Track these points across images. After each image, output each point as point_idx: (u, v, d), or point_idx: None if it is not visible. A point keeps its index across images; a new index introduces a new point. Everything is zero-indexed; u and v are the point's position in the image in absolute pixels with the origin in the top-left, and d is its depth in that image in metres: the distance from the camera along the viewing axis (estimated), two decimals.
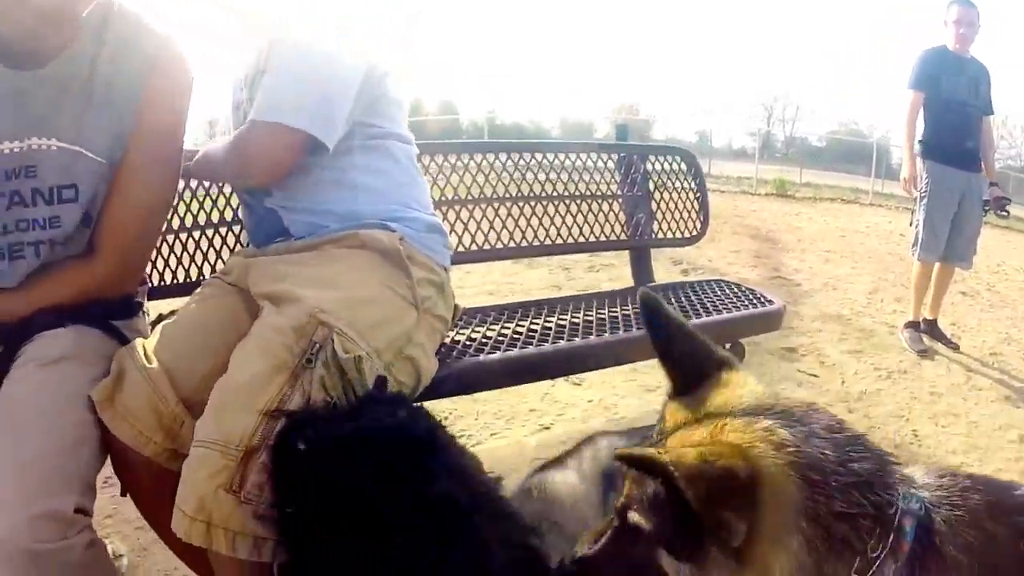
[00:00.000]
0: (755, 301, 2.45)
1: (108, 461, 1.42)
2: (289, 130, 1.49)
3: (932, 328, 4.95)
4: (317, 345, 1.33)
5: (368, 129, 1.64)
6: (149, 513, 1.51)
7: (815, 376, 4.22)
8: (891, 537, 0.84)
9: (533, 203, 2.66)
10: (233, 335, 1.42)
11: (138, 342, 1.45)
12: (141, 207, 1.53)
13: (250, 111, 1.56)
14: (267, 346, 1.34)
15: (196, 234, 2.21)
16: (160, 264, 2.12)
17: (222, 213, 2.26)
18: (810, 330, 5.12)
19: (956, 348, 4.79)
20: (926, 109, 4.69)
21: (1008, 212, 5.05)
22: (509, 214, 2.60)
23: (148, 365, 1.39)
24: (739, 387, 1.02)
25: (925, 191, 4.69)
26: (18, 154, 1.39)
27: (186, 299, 1.71)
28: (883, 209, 15.06)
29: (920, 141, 4.74)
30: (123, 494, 1.51)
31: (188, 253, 2.20)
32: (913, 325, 4.91)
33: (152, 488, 1.43)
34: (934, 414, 3.76)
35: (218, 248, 2.23)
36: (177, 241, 2.17)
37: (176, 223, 2.15)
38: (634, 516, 0.96)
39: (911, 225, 4.99)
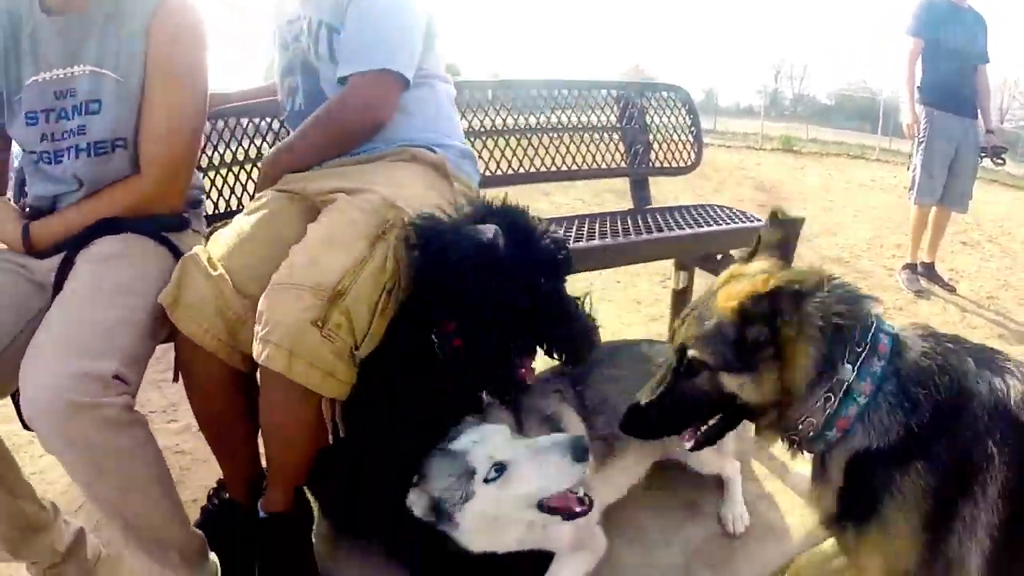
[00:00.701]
0: (745, 219, 2.61)
1: None
2: (392, 76, 1.78)
3: (929, 271, 5.08)
4: (390, 223, 1.57)
5: (420, 69, 1.88)
6: (202, 402, 1.68)
7: None
8: (870, 340, 1.23)
9: (542, 135, 2.90)
10: (292, 239, 1.56)
11: (199, 249, 1.59)
12: (169, 122, 1.70)
13: (316, 58, 1.86)
14: (351, 218, 1.56)
15: (248, 167, 2.40)
16: (215, 195, 2.30)
17: (270, 145, 2.38)
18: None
19: (952, 290, 4.91)
20: (924, 57, 4.76)
21: (1004, 160, 5.12)
22: (518, 144, 2.85)
23: (211, 271, 1.53)
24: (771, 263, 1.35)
25: (923, 136, 4.78)
26: (63, 79, 1.66)
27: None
28: (889, 164, 14.94)
29: (918, 87, 4.82)
30: (175, 380, 1.67)
31: (240, 183, 2.39)
32: (910, 267, 5.04)
33: (211, 379, 1.62)
34: None
35: None
36: (231, 173, 2.37)
37: (228, 157, 2.35)
38: (693, 352, 1.28)
39: (909, 170, 5.12)
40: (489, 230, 1.46)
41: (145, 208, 1.70)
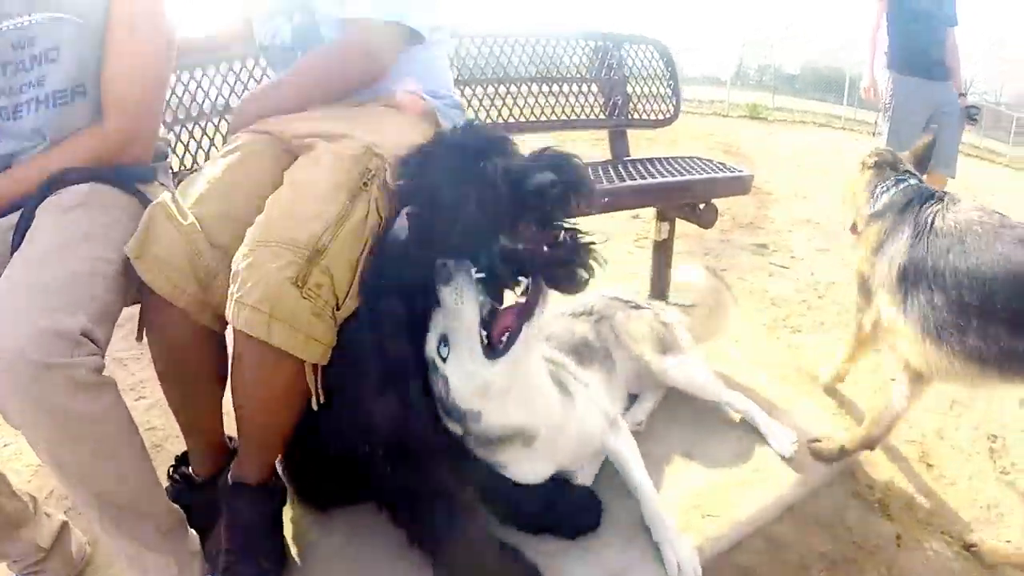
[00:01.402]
0: (727, 170, 2.59)
1: None
2: (408, 30, 1.70)
3: None
4: (372, 172, 1.46)
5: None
6: (168, 363, 1.55)
7: (785, 268, 4.39)
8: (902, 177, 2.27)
9: (520, 84, 2.85)
10: (267, 185, 1.46)
11: (168, 197, 1.46)
12: (133, 65, 1.58)
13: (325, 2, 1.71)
14: (330, 168, 1.44)
15: (216, 120, 2.30)
16: (180, 150, 2.20)
17: (238, 96, 2.31)
18: (780, 231, 5.27)
19: None
20: (890, 20, 4.57)
21: (977, 119, 4.91)
22: (496, 94, 2.80)
23: (182, 220, 1.41)
24: None
25: (890, 103, 4.58)
26: (21, 28, 1.51)
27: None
28: (856, 133, 15.19)
29: (885, 52, 4.64)
30: (139, 339, 1.53)
31: (208, 137, 2.28)
32: None
33: (178, 337, 1.48)
34: None
35: None
36: (196, 127, 2.25)
37: (195, 110, 2.24)
38: None
39: (874, 136, 4.94)
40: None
41: (108, 158, 1.57)
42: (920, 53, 4.51)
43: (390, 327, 1.38)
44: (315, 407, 1.42)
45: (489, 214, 1.32)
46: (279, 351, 1.32)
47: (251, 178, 1.54)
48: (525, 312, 1.40)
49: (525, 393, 1.51)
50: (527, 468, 1.62)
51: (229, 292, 1.33)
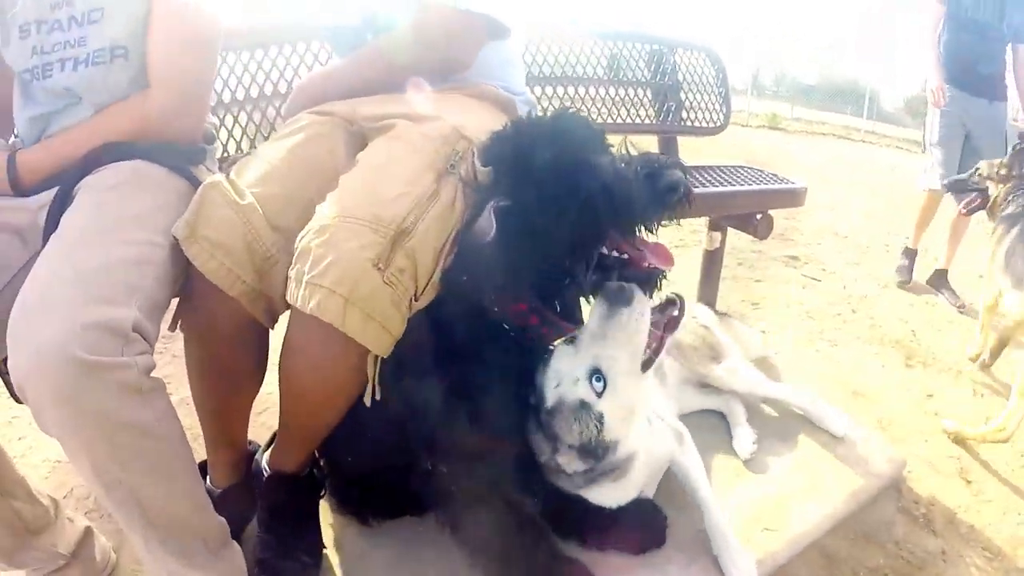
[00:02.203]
0: (779, 181, 2.59)
1: None
2: (492, 21, 1.55)
3: (940, 279, 4.41)
4: (459, 155, 1.34)
5: None
6: (204, 360, 1.42)
7: (817, 280, 4.39)
8: None
9: (578, 85, 2.82)
10: (334, 171, 1.33)
11: (221, 177, 1.31)
12: (183, 30, 1.41)
13: None
14: (416, 147, 1.32)
15: (278, 102, 2.17)
16: (224, 136, 2.08)
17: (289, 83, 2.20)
18: (810, 243, 5.26)
19: (962, 307, 4.16)
20: (945, 27, 4.19)
21: None
22: (554, 94, 2.77)
23: (239, 199, 1.26)
24: None
25: (937, 113, 4.25)
26: None
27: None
28: (875, 146, 15.16)
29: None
30: (172, 329, 1.38)
31: (254, 123, 2.16)
32: (908, 253, 4.54)
33: (222, 330, 1.35)
34: (930, 320, 3.95)
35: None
36: (243, 113, 2.13)
37: (241, 95, 2.11)
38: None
39: (923, 151, 4.73)
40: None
41: (155, 132, 1.40)
42: (966, 64, 4.16)
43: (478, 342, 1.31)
44: (367, 403, 1.28)
45: (606, 214, 1.23)
46: (348, 339, 1.16)
47: (317, 159, 1.40)
48: (672, 327, 1.39)
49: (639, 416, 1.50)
50: (616, 495, 1.58)
51: (291, 273, 1.19)
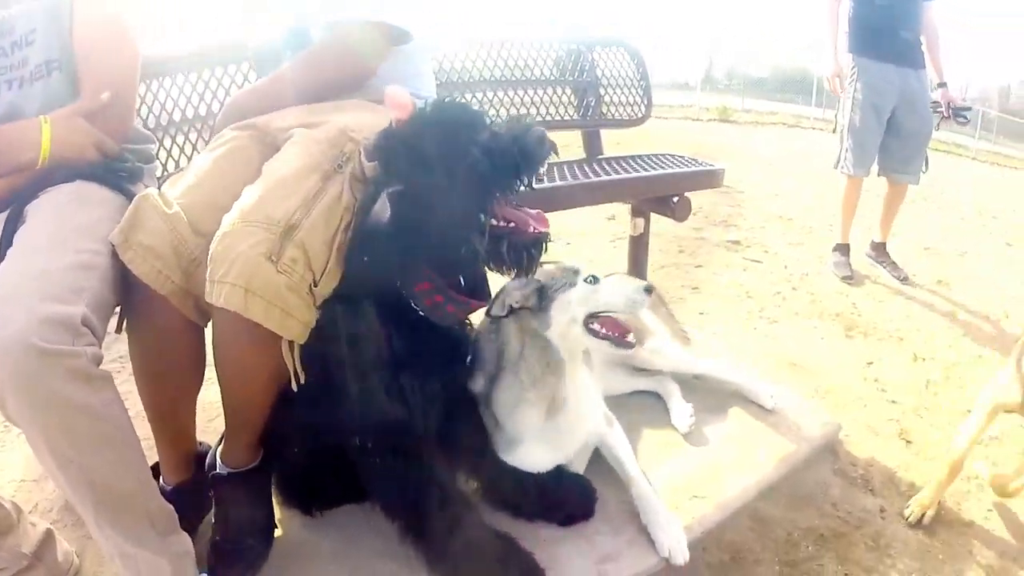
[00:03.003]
0: (698, 164, 2.64)
1: None
2: (392, 30, 1.72)
3: (879, 252, 4.42)
4: (346, 156, 1.49)
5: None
6: (147, 356, 1.56)
7: (759, 262, 4.46)
8: None
9: (498, 88, 2.89)
10: (252, 175, 1.47)
11: (153, 190, 1.47)
12: (105, 34, 1.65)
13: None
14: (305, 151, 1.47)
15: (198, 125, 2.30)
16: (163, 156, 2.19)
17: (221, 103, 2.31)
18: (753, 227, 5.35)
19: (904, 279, 4.21)
20: None
21: (967, 118, 4.21)
22: (473, 97, 2.83)
23: (166, 209, 1.42)
24: None
25: (851, 92, 4.02)
26: (7, 18, 1.61)
27: None
28: (824, 132, 15.37)
29: (845, 31, 4.05)
30: (118, 331, 1.52)
31: (191, 143, 2.29)
32: (841, 248, 4.37)
33: (160, 328, 1.50)
34: (871, 292, 4.04)
35: None
36: (180, 134, 2.26)
37: (178, 117, 2.24)
38: None
39: (834, 131, 4.34)
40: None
41: (90, 121, 1.60)
42: (886, 32, 3.93)
43: (372, 315, 1.43)
44: (294, 387, 1.43)
45: (488, 173, 1.36)
46: (256, 326, 1.31)
47: (236, 169, 1.55)
48: (628, 343, 1.68)
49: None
50: (538, 456, 1.73)
51: (207, 275, 1.33)
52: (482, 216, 1.40)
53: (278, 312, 1.32)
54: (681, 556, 1.63)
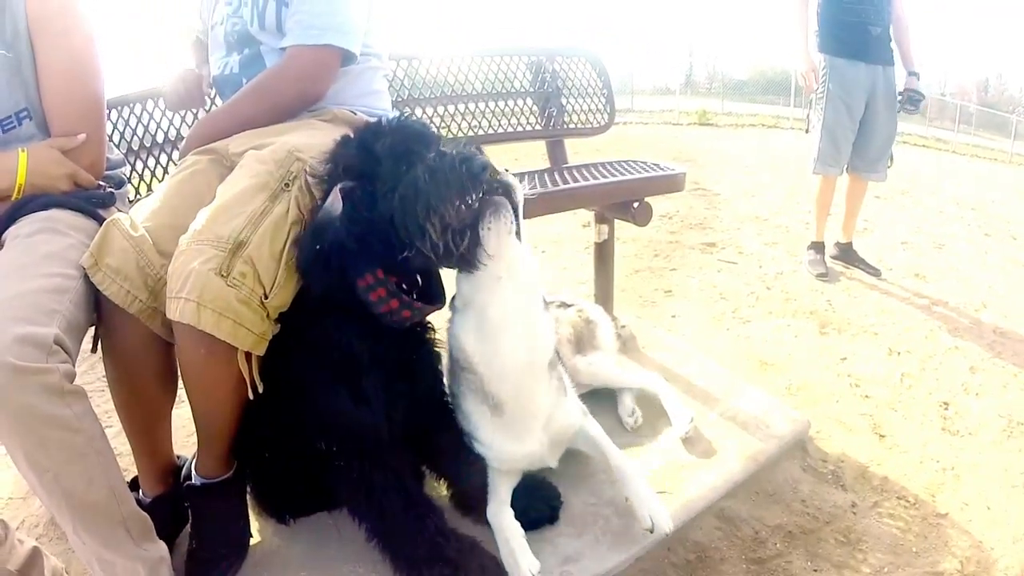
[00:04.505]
0: (659, 168, 2.65)
1: None
2: (334, 50, 1.82)
3: (846, 252, 4.46)
4: (293, 175, 1.57)
5: (363, 48, 1.92)
6: (122, 373, 1.63)
7: (734, 263, 4.48)
8: None
9: (458, 102, 2.93)
10: (208, 198, 1.54)
11: (121, 214, 1.59)
12: (67, 77, 1.71)
13: (260, 30, 1.87)
14: (253, 172, 1.56)
15: (168, 149, 2.43)
16: (136, 180, 2.29)
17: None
18: (729, 229, 5.36)
19: (877, 273, 4.26)
20: None
21: (917, 106, 4.12)
22: (435, 112, 2.88)
23: (133, 232, 1.53)
24: None
25: (822, 92, 4.01)
26: None
27: None
28: (801, 131, 15.50)
29: (816, 31, 4.05)
30: (93, 350, 1.62)
31: (161, 166, 2.41)
32: (816, 246, 4.39)
33: (131, 345, 1.58)
34: (846, 288, 4.06)
35: None
36: (151, 157, 2.39)
37: (148, 141, 2.37)
38: None
39: (806, 132, 4.31)
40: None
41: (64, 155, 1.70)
42: (856, 29, 3.92)
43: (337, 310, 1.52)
44: (251, 396, 1.53)
45: (440, 189, 1.41)
46: (212, 338, 1.40)
47: (196, 192, 1.64)
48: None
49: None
50: (511, 447, 1.72)
51: (167, 293, 1.43)
52: (424, 225, 1.44)
53: (229, 323, 1.40)
54: (666, 525, 1.70)
